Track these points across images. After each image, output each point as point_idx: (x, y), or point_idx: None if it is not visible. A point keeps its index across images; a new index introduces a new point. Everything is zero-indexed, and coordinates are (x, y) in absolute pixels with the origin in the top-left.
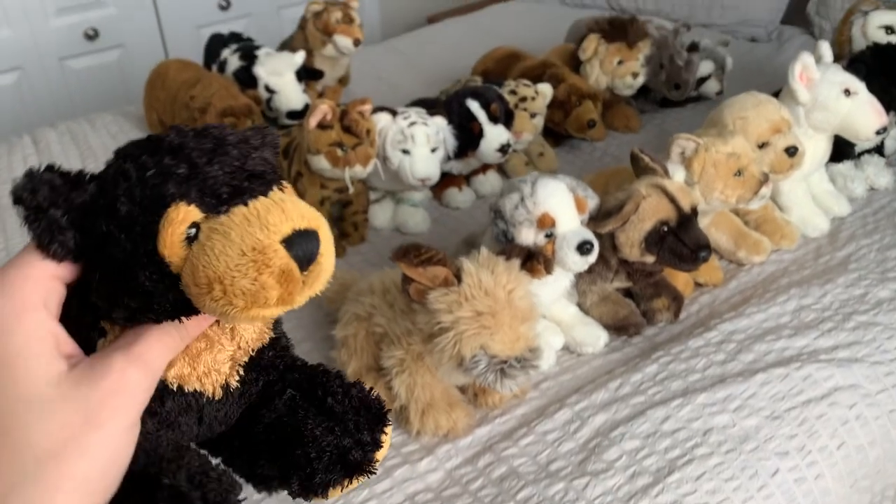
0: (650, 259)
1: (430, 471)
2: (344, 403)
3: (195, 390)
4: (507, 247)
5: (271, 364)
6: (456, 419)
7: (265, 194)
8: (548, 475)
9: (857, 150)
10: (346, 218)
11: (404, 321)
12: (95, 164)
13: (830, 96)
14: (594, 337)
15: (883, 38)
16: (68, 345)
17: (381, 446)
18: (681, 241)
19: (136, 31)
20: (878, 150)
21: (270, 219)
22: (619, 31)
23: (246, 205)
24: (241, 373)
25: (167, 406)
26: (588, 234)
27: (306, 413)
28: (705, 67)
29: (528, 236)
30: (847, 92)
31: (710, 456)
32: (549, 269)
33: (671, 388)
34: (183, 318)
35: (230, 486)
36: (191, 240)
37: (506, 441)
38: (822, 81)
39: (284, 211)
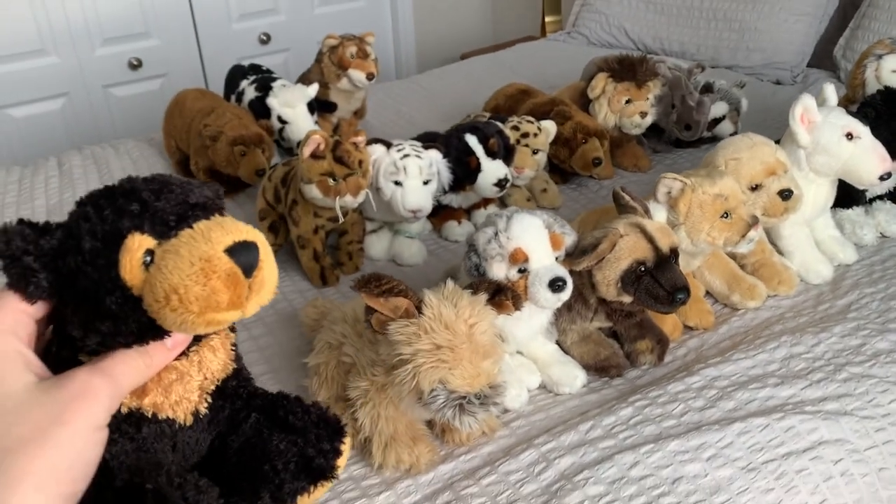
0: (627, 299)
1: None
2: (304, 419)
3: (168, 417)
4: (476, 280)
5: (235, 393)
6: (418, 454)
7: (207, 218)
8: None
9: (869, 195)
10: (342, 247)
11: (370, 352)
12: None
13: (832, 140)
14: (571, 377)
15: None
16: (37, 366)
17: (342, 453)
18: (657, 282)
19: (178, 62)
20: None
21: (213, 234)
22: (628, 70)
23: (191, 227)
24: (209, 400)
25: (143, 432)
26: (561, 271)
27: (270, 432)
28: (720, 108)
29: (499, 271)
30: (849, 136)
31: None
32: (517, 305)
33: (643, 433)
34: (150, 341)
35: (207, 489)
36: (147, 265)
37: (468, 480)
38: (823, 124)
39: (224, 227)
